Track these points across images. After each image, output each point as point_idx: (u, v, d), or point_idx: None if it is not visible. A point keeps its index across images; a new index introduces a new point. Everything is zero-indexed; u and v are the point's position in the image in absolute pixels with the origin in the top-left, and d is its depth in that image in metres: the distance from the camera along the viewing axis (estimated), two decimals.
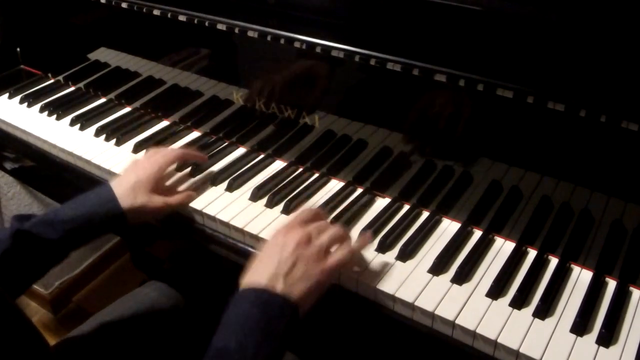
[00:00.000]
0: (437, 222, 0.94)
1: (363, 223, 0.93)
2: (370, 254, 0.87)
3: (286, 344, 0.70)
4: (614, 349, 0.74)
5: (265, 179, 1.03)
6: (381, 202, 0.98)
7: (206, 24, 1.02)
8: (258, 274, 0.74)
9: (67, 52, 1.33)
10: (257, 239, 0.91)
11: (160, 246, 1.58)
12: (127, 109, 1.26)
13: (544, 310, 0.78)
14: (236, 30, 0.99)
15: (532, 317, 0.77)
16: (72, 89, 1.34)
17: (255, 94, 1.05)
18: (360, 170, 1.00)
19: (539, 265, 0.85)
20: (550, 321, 0.77)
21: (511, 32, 0.82)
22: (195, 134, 1.17)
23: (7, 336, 0.64)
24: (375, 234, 0.91)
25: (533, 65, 0.81)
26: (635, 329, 0.76)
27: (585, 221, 0.83)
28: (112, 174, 1.06)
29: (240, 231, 0.93)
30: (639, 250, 0.80)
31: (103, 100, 1.29)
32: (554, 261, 0.87)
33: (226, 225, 0.94)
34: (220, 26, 1.01)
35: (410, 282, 0.82)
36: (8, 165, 1.30)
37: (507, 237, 0.90)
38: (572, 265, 0.86)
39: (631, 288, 0.82)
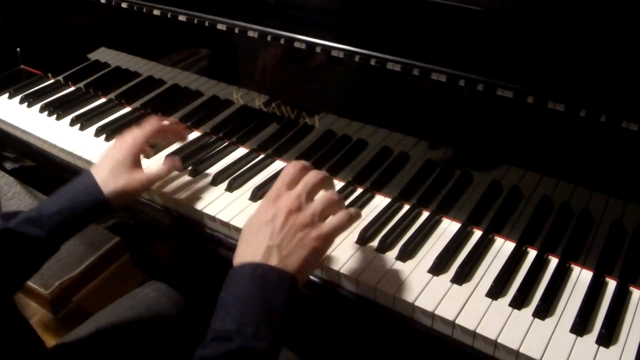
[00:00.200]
0: (437, 222, 0.94)
1: (363, 223, 0.93)
2: (371, 254, 0.87)
3: (287, 320, 0.67)
4: (614, 349, 0.74)
5: (265, 179, 1.03)
6: (381, 202, 0.98)
7: (206, 24, 1.02)
8: (251, 248, 0.71)
9: (67, 52, 1.33)
10: None
11: (160, 246, 1.58)
12: (127, 109, 1.26)
13: (544, 310, 0.78)
14: (236, 30, 0.99)
15: (532, 317, 0.77)
16: (72, 89, 1.34)
17: (256, 94, 1.05)
18: (360, 170, 1.00)
19: (539, 265, 0.85)
20: (550, 321, 0.77)
21: (511, 32, 0.82)
22: (195, 134, 1.17)
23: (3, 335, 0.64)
24: (375, 234, 0.91)
25: (533, 65, 0.81)
26: (635, 329, 0.76)
27: (585, 221, 0.83)
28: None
29: (240, 231, 0.92)
30: (639, 250, 0.80)
31: (103, 100, 1.29)
32: (554, 261, 0.87)
33: (226, 225, 0.94)
34: (220, 26, 1.01)
35: (410, 282, 0.82)
36: (8, 165, 1.30)
37: (507, 237, 0.90)
38: (572, 265, 0.86)
39: (631, 288, 0.82)
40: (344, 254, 0.87)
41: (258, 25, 0.97)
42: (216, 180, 1.02)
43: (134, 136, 0.93)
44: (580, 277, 0.84)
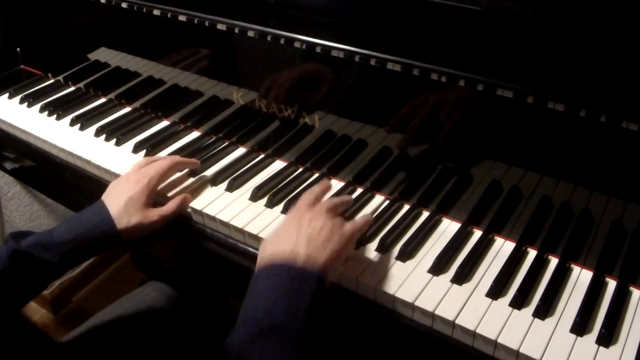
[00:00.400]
0: (437, 222, 0.94)
1: None
2: (370, 254, 0.87)
3: (315, 316, 0.70)
4: (614, 349, 0.74)
5: (265, 179, 1.03)
6: (381, 202, 0.98)
7: (206, 24, 1.02)
8: (281, 244, 0.76)
9: (67, 52, 1.33)
10: (257, 239, 0.91)
11: (160, 246, 1.58)
12: (127, 109, 1.26)
13: (544, 310, 0.78)
14: (236, 30, 0.99)
15: (532, 317, 0.77)
16: (72, 89, 1.34)
17: (256, 94, 1.05)
18: (360, 170, 1.00)
19: (539, 265, 0.85)
20: (550, 321, 0.77)
21: (511, 32, 0.82)
22: (195, 134, 1.17)
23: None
24: (375, 234, 0.91)
25: (533, 65, 0.80)
26: (635, 329, 0.76)
27: (585, 221, 0.83)
28: (112, 174, 1.06)
29: (240, 231, 0.93)
30: (639, 250, 0.80)
31: (103, 100, 1.29)
32: (554, 261, 0.87)
33: (226, 225, 0.94)
34: (220, 26, 1.01)
35: (410, 282, 0.82)
36: (8, 165, 1.30)
37: (507, 237, 0.90)
38: (572, 265, 0.86)
39: (631, 288, 0.82)
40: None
41: (258, 25, 0.97)
42: (216, 180, 1.02)
43: (150, 177, 0.93)
44: (580, 277, 0.84)
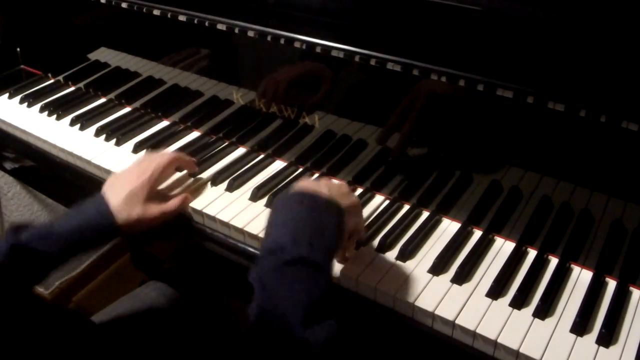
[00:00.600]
0: (437, 222, 0.94)
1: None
2: (371, 254, 0.87)
3: (335, 246, 0.73)
4: (614, 349, 0.74)
5: (265, 179, 1.03)
6: (381, 202, 0.98)
7: (206, 24, 1.02)
8: (302, 185, 0.78)
9: (67, 52, 1.33)
10: (257, 239, 0.91)
11: (160, 246, 1.58)
12: (127, 109, 1.26)
13: (544, 310, 0.78)
14: (236, 30, 0.99)
15: (532, 317, 0.77)
16: (72, 89, 1.34)
17: (256, 94, 1.05)
18: (360, 170, 1.00)
19: (539, 265, 0.85)
20: (550, 321, 0.77)
21: (511, 32, 0.82)
22: (195, 134, 1.17)
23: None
24: (375, 234, 0.91)
25: (533, 65, 0.80)
26: (635, 329, 0.76)
27: (585, 221, 0.83)
28: (112, 174, 1.06)
29: (240, 231, 0.93)
30: (639, 250, 0.80)
31: (103, 100, 1.29)
32: (554, 261, 0.87)
33: (226, 225, 0.94)
34: (220, 26, 1.01)
35: (410, 282, 0.82)
36: (8, 165, 1.30)
37: (507, 237, 0.90)
38: (572, 265, 0.86)
39: (631, 288, 0.82)
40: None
41: (258, 25, 0.97)
42: (216, 180, 1.02)
43: (152, 171, 0.93)
44: (580, 277, 0.84)
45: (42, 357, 0.66)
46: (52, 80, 1.37)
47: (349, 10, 0.94)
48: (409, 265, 0.86)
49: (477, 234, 0.91)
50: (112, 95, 1.28)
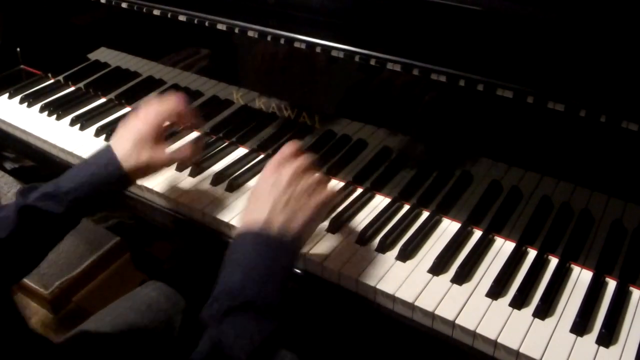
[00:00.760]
0: (437, 222, 0.94)
1: (363, 223, 0.93)
2: (371, 254, 0.87)
3: (287, 282, 0.72)
4: (614, 349, 0.74)
5: None
6: (381, 202, 0.98)
7: (206, 24, 1.02)
8: (255, 212, 0.75)
9: (67, 52, 1.33)
10: None
11: (160, 246, 1.58)
12: (127, 109, 1.26)
13: (544, 310, 0.78)
14: (236, 30, 0.99)
15: (532, 317, 0.77)
16: (72, 89, 1.34)
17: (256, 94, 1.05)
18: (360, 170, 1.00)
19: (539, 265, 0.85)
20: (550, 321, 0.77)
21: (511, 32, 0.82)
22: (195, 134, 1.17)
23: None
24: (375, 234, 0.91)
25: (533, 65, 0.80)
26: (635, 329, 0.76)
27: (585, 221, 0.83)
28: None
29: None
30: (639, 250, 0.80)
31: (103, 100, 1.29)
32: (554, 261, 0.87)
33: (226, 225, 0.94)
34: (220, 26, 1.01)
35: (410, 282, 0.82)
36: (8, 165, 1.30)
37: (507, 237, 0.90)
38: (572, 265, 0.86)
39: (631, 288, 0.82)
40: (343, 254, 0.87)
41: (258, 25, 0.97)
42: (216, 181, 1.02)
43: (157, 111, 0.90)
44: (580, 277, 0.84)
45: None
46: (52, 80, 1.37)
47: (349, 10, 0.94)
48: (409, 265, 0.86)
49: (477, 234, 0.91)
50: (112, 95, 1.28)
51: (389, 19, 0.91)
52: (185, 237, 1.02)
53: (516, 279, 0.83)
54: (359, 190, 1.01)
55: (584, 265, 0.86)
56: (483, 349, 0.76)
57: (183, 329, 1.03)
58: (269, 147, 1.09)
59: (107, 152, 0.87)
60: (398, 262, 0.86)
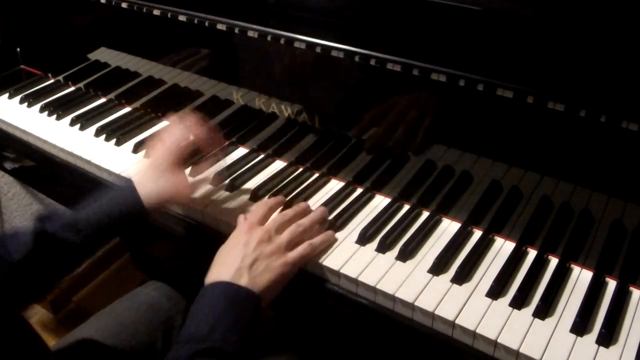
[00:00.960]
0: (437, 222, 0.94)
1: (363, 223, 0.93)
2: (371, 254, 0.87)
3: (252, 332, 0.77)
4: (614, 349, 0.74)
5: (265, 179, 1.03)
6: (381, 202, 0.98)
7: (206, 24, 1.02)
8: (224, 268, 0.80)
9: (67, 52, 1.33)
10: None
11: (160, 246, 1.58)
12: (127, 109, 1.26)
13: (544, 310, 0.78)
14: (236, 30, 0.99)
15: (532, 317, 0.77)
16: (72, 89, 1.34)
17: (256, 94, 1.05)
18: (360, 170, 1.00)
19: (539, 265, 0.85)
20: (550, 321, 0.77)
21: (511, 32, 0.82)
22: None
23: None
24: (375, 234, 0.91)
25: (533, 65, 0.80)
26: (635, 329, 0.76)
27: (585, 221, 0.83)
28: (112, 174, 1.06)
29: None
30: (639, 250, 0.80)
31: (103, 100, 1.29)
32: (554, 261, 0.87)
33: (226, 225, 0.94)
34: (220, 26, 1.01)
35: (410, 282, 0.82)
36: (8, 165, 1.30)
37: (507, 237, 0.90)
38: (572, 265, 0.86)
39: (631, 288, 0.82)
40: (344, 254, 0.87)
41: (258, 25, 0.97)
42: (216, 181, 1.02)
43: (178, 143, 0.92)
44: (580, 277, 0.84)
45: None
46: (52, 80, 1.37)
47: (349, 10, 0.94)
48: (409, 265, 0.86)
49: (477, 234, 0.91)
50: (112, 95, 1.28)
51: (389, 19, 0.91)
52: (185, 237, 1.02)
53: (516, 279, 0.83)
54: (359, 190, 1.01)
55: (584, 265, 0.86)
56: (483, 349, 0.76)
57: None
58: (269, 147, 1.09)
59: (130, 190, 0.88)
60: (398, 262, 0.86)
